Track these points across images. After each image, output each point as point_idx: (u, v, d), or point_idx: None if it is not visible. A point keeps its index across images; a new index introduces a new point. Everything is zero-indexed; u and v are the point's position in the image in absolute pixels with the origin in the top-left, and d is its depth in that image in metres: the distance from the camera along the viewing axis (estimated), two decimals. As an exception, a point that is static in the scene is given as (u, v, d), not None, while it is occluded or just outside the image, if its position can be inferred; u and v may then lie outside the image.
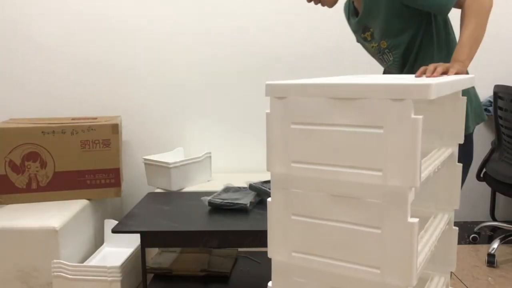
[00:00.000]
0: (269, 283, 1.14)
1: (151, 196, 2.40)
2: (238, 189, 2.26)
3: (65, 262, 2.07)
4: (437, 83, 0.94)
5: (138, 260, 2.12)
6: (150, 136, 2.99)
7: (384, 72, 1.98)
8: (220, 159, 2.92)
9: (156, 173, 2.60)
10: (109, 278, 2.05)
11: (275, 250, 1.09)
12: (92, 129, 2.47)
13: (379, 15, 1.67)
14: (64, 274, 2.05)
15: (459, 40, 1.47)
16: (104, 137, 2.48)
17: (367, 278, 1.00)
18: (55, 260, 2.07)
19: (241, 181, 2.47)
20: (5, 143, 2.39)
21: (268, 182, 2.28)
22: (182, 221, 1.98)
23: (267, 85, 1.05)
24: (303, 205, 1.03)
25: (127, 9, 2.88)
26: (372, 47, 1.82)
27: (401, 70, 1.78)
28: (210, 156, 2.76)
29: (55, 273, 2.06)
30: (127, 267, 2.12)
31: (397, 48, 1.72)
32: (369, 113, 0.95)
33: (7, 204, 2.43)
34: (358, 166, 0.97)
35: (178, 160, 2.57)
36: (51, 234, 2.13)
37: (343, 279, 1.03)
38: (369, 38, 1.81)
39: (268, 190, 2.15)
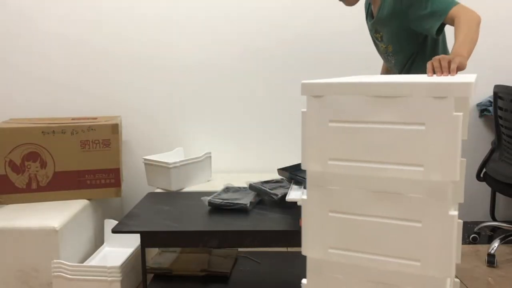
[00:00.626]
0: (303, 280, 1.14)
1: (151, 196, 2.40)
2: (238, 189, 2.26)
3: (65, 262, 2.07)
4: (473, 82, 0.98)
5: (138, 260, 2.12)
6: (150, 136, 2.99)
7: (386, 71, 2.32)
8: (220, 159, 2.92)
9: (156, 173, 2.60)
10: (109, 278, 2.05)
11: (310, 247, 1.10)
12: (92, 129, 2.47)
13: (388, 27, 1.95)
14: (64, 274, 2.05)
15: (455, 41, 1.58)
16: (104, 137, 2.48)
17: (407, 270, 1.01)
18: (55, 260, 2.07)
19: (241, 181, 2.47)
20: (5, 143, 2.39)
21: (268, 182, 2.28)
22: (182, 221, 1.98)
23: (304, 84, 1.06)
24: (340, 202, 1.04)
25: (127, 9, 2.88)
26: (382, 47, 2.08)
27: (400, 72, 2.06)
28: (210, 156, 2.76)
29: (55, 273, 2.06)
30: (127, 267, 2.12)
31: (398, 55, 2.01)
32: (410, 111, 0.97)
33: (7, 204, 2.43)
34: (399, 162, 0.99)
35: (178, 160, 2.57)
36: (51, 234, 2.12)
37: (382, 273, 1.04)
38: (379, 39, 2.07)
39: (268, 190, 2.15)
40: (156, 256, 2.36)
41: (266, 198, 2.17)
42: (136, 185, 2.93)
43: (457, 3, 1.71)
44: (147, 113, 2.98)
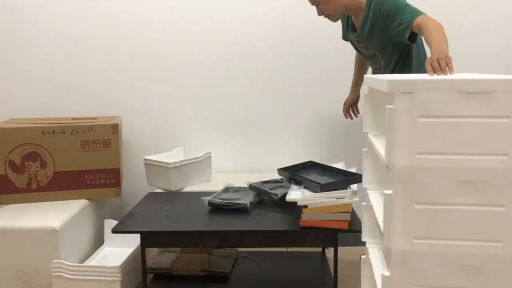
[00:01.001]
0: (385, 272, 1.15)
1: (151, 196, 2.40)
2: (238, 189, 2.26)
3: (65, 262, 2.07)
4: None
5: (138, 260, 2.12)
6: (150, 136, 2.99)
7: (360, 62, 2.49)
8: (220, 159, 2.92)
9: (156, 173, 2.60)
10: (109, 278, 2.05)
11: (394, 240, 1.12)
12: (92, 129, 2.47)
13: (373, 39, 2.12)
14: (64, 274, 2.05)
15: (432, 43, 1.73)
16: (104, 137, 2.48)
17: (489, 252, 1.10)
18: (55, 260, 2.07)
19: (241, 181, 2.47)
20: (5, 143, 2.39)
21: (268, 182, 2.28)
22: (182, 221, 1.98)
23: (392, 81, 1.08)
24: (427, 194, 1.08)
25: (127, 10, 2.88)
26: (366, 52, 2.22)
27: (391, 71, 2.17)
28: (210, 156, 2.76)
29: (55, 273, 2.06)
30: (127, 267, 2.12)
31: (387, 58, 2.15)
32: (496, 105, 1.05)
33: (7, 204, 2.43)
34: (485, 153, 1.07)
35: (178, 160, 2.57)
36: (51, 234, 2.12)
37: (465, 257, 1.12)
38: (363, 48, 2.22)
39: (268, 190, 2.15)
40: (156, 256, 2.36)
41: (266, 198, 2.17)
42: (136, 185, 2.92)
43: (422, 13, 1.90)
44: (147, 113, 2.98)
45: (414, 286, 1.13)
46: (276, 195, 2.12)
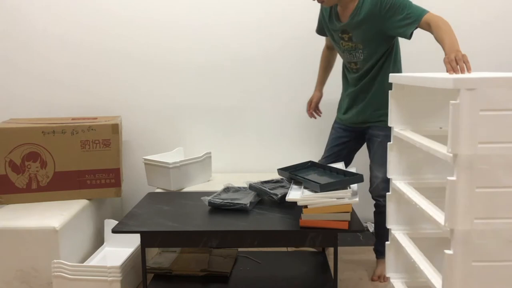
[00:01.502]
0: (447, 251, 1.27)
1: (151, 196, 2.40)
2: (238, 189, 2.26)
3: (65, 262, 2.07)
4: None
5: (138, 260, 2.12)
6: (150, 136, 2.99)
7: (327, 62, 2.53)
8: (220, 159, 2.92)
9: (156, 173, 2.60)
10: (109, 278, 2.05)
11: (457, 221, 1.24)
12: (92, 129, 2.47)
13: (362, 30, 2.14)
14: (64, 274, 2.05)
15: (444, 41, 1.83)
16: (104, 137, 2.48)
17: None
18: (55, 260, 2.07)
19: (241, 181, 2.47)
20: (5, 143, 2.39)
21: (268, 182, 2.28)
22: (182, 221, 1.98)
23: (457, 79, 1.21)
24: (487, 179, 1.22)
25: (127, 9, 2.88)
26: (346, 44, 2.24)
27: (369, 68, 2.23)
28: (210, 156, 2.76)
29: (55, 273, 2.06)
30: (127, 267, 2.12)
31: (369, 54, 2.20)
32: None
33: (7, 204, 2.43)
34: None
35: (178, 160, 2.57)
36: (51, 234, 2.13)
37: None
38: (346, 39, 2.23)
39: (268, 190, 2.15)
40: (156, 256, 2.36)
41: (266, 198, 2.17)
42: (136, 185, 2.93)
43: (428, 11, 1.99)
44: (147, 113, 2.98)
45: (474, 262, 1.25)
46: (276, 195, 2.12)
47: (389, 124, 1.72)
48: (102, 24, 2.89)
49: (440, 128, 1.68)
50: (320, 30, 2.45)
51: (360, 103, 2.32)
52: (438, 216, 1.34)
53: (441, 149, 1.31)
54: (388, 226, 1.74)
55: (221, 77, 2.92)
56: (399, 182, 1.67)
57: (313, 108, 2.59)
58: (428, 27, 1.97)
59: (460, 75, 1.38)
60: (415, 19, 1.99)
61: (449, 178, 1.23)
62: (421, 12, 2.00)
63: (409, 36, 2.04)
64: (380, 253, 2.37)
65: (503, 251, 1.25)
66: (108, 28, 2.89)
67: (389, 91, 1.72)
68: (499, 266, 1.26)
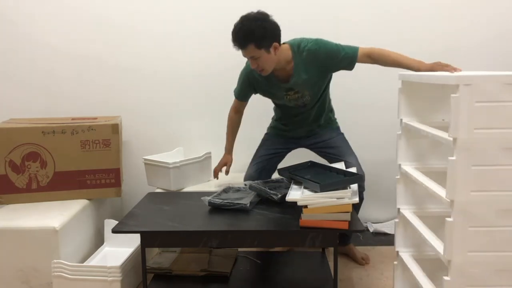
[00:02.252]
0: (448, 219, 1.48)
1: (151, 196, 2.39)
2: (238, 189, 2.26)
3: (65, 262, 2.07)
4: None
5: (138, 260, 2.12)
6: (150, 136, 2.99)
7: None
8: (220, 159, 2.92)
9: (156, 173, 2.60)
10: (109, 278, 2.05)
11: (456, 193, 1.46)
12: (92, 129, 2.47)
13: (307, 83, 2.30)
14: (64, 274, 2.05)
15: (404, 61, 2.14)
16: (104, 137, 2.48)
17: None
18: (55, 260, 2.07)
19: (241, 181, 2.47)
20: (5, 143, 2.39)
21: (268, 182, 2.28)
22: (182, 221, 1.98)
23: (457, 76, 1.45)
24: (481, 158, 1.44)
25: (127, 9, 2.88)
26: (292, 97, 2.36)
27: (313, 106, 2.41)
28: (210, 156, 2.76)
29: (55, 273, 2.06)
30: (127, 267, 2.12)
31: (313, 96, 2.37)
32: None
33: (7, 204, 2.43)
34: None
35: (178, 160, 2.57)
36: (51, 234, 2.13)
37: (509, 203, 1.46)
38: (292, 93, 2.35)
39: (268, 190, 2.15)
40: (156, 256, 2.36)
41: (266, 198, 2.17)
42: (136, 185, 2.93)
43: (358, 46, 2.25)
44: (147, 113, 2.98)
45: (470, 227, 1.47)
46: (276, 195, 2.12)
47: (399, 117, 1.90)
48: (102, 26, 2.89)
49: (443, 120, 1.87)
50: (245, 96, 2.48)
51: (309, 124, 2.49)
52: (440, 191, 1.55)
53: (443, 135, 1.55)
54: (398, 206, 1.94)
55: (221, 77, 2.92)
56: (407, 167, 1.88)
57: (219, 171, 2.58)
58: (368, 59, 2.23)
59: (460, 73, 1.58)
60: (353, 57, 2.23)
61: (449, 158, 1.46)
62: (354, 49, 2.24)
63: (352, 69, 2.28)
64: (348, 238, 2.51)
65: (494, 218, 1.48)
66: (108, 29, 2.89)
67: (398, 87, 1.88)
68: (491, 230, 1.48)
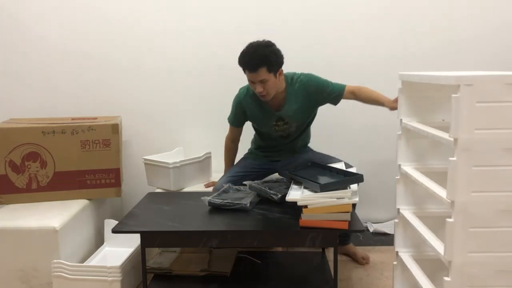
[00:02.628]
0: (448, 219, 1.46)
1: (151, 196, 2.39)
2: (238, 189, 2.26)
3: (65, 262, 2.07)
4: None
5: (138, 260, 2.12)
6: (150, 136, 2.99)
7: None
8: (220, 159, 2.91)
9: (156, 173, 2.60)
10: (109, 278, 2.05)
11: (456, 194, 1.45)
12: (92, 129, 2.47)
13: (297, 113, 2.42)
14: (64, 274, 2.05)
15: (380, 99, 2.34)
16: (104, 137, 2.48)
17: None
18: (55, 260, 2.07)
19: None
20: (5, 143, 2.39)
21: (268, 182, 2.28)
22: (182, 221, 1.98)
23: (458, 77, 1.42)
24: (482, 159, 1.43)
25: (127, 9, 2.88)
26: (280, 128, 2.47)
27: (295, 139, 2.53)
28: (210, 156, 2.76)
29: (55, 273, 2.06)
30: (127, 267, 2.12)
31: (299, 125, 2.48)
32: None
33: (7, 204, 2.43)
34: None
35: (178, 160, 2.57)
36: (51, 234, 2.13)
37: (509, 204, 1.46)
38: (281, 124, 2.46)
39: (268, 190, 2.15)
40: (156, 256, 2.36)
41: (266, 198, 2.17)
42: (136, 185, 2.92)
43: (345, 84, 2.42)
44: (147, 113, 2.98)
45: (471, 228, 1.46)
46: (276, 195, 2.12)
47: (399, 117, 1.90)
48: (102, 26, 2.89)
49: (443, 120, 1.86)
50: (239, 123, 2.55)
51: (287, 153, 2.58)
52: (441, 192, 1.55)
53: (444, 135, 1.53)
54: (397, 206, 1.93)
55: (221, 77, 2.92)
56: (407, 167, 1.88)
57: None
58: (352, 95, 2.42)
59: (461, 73, 1.55)
60: (339, 93, 2.41)
61: (450, 158, 1.45)
62: (342, 86, 2.41)
63: (343, 90, 2.42)
64: (348, 238, 2.53)
65: (495, 219, 1.47)
66: (108, 29, 2.89)
67: (398, 88, 1.89)
68: (492, 231, 1.48)
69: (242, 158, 2.68)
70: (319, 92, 2.40)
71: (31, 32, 2.88)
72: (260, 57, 2.23)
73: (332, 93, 2.41)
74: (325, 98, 2.43)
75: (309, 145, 2.69)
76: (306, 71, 2.87)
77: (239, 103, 2.49)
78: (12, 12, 2.87)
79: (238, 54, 2.30)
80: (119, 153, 2.55)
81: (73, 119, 2.67)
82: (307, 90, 2.40)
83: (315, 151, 2.64)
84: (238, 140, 2.63)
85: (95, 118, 2.68)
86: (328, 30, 2.89)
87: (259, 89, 2.28)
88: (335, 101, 2.45)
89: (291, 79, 2.42)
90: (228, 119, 2.58)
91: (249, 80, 2.32)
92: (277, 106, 2.43)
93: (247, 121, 2.57)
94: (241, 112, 2.51)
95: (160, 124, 2.98)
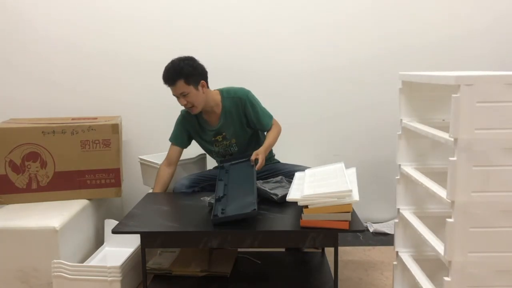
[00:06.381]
0: (448, 220, 1.47)
1: (151, 196, 2.39)
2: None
3: (65, 262, 2.07)
4: None
5: (138, 260, 2.12)
6: (150, 136, 2.99)
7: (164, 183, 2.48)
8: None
9: (151, 173, 2.60)
10: (109, 278, 2.05)
11: (456, 194, 1.45)
12: (92, 129, 2.47)
13: (234, 129, 2.46)
14: (64, 274, 2.05)
15: (268, 139, 2.41)
16: (104, 137, 2.48)
17: None
18: (55, 260, 2.07)
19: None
20: (5, 143, 2.39)
21: (268, 182, 2.28)
22: (182, 221, 1.98)
23: (459, 77, 1.43)
24: (482, 159, 1.44)
25: (127, 9, 2.88)
26: (220, 144, 2.50)
27: (244, 148, 2.50)
28: (205, 157, 2.76)
29: (55, 273, 2.06)
30: (127, 267, 2.12)
31: (241, 143, 2.50)
32: None
33: (7, 204, 2.43)
34: None
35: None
36: (51, 234, 2.13)
37: (509, 204, 1.46)
38: (220, 139, 2.49)
39: (268, 190, 2.15)
40: (156, 257, 2.36)
41: (266, 198, 2.17)
42: (136, 185, 2.92)
43: (272, 116, 2.49)
44: (147, 113, 2.98)
45: (471, 228, 1.47)
46: (276, 195, 2.11)
47: (399, 117, 1.90)
48: (102, 25, 2.89)
49: (443, 120, 1.87)
50: (179, 141, 2.50)
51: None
52: (441, 191, 1.55)
53: (444, 135, 1.54)
54: (397, 206, 1.94)
55: (220, 77, 2.91)
56: (407, 167, 1.88)
57: None
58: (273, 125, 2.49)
59: (461, 73, 1.55)
60: (270, 115, 2.48)
61: (450, 158, 1.45)
62: (270, 115, 2.48)
63: (269, 127, 2.46)
64: None
65: (495, 219, 1.47)
66: (108, 29, 2.89)
67: (399, 88, 1.89)
68: (492, 231, 1.48)
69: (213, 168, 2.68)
70: (251, 108, 2.42)
71: (31, 33, 2.88)
72: (175, 71, 2.30)
73: (262, 112, 2.45)
74: (254, 116, 2.43)
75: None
76: (306, 70, 2.89)
77: (183, 117, 2.52)
78: (12, 12, 2.87)
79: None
80: (119, 153, 2.55)
81: (73, 119, 2.67)
82: (242, 104, 2.43)
83: (279, 164, 2.60)
84: (175, 166, 2.49)
85: (95, 118, 2.68)
86: (328, 30, 2.89)
87: (182, 102, 2.33)
88: (260, 124, 2.46)
89: (227, 92, 2.46)
90: (169, 139, 2.52)
91: (173, 95, 2.36)
92: (214, 120, 2.47)
93: (190, 141, 2.54)
94: (182, 127, 2.51)
95: (160, 124, 2.98)
